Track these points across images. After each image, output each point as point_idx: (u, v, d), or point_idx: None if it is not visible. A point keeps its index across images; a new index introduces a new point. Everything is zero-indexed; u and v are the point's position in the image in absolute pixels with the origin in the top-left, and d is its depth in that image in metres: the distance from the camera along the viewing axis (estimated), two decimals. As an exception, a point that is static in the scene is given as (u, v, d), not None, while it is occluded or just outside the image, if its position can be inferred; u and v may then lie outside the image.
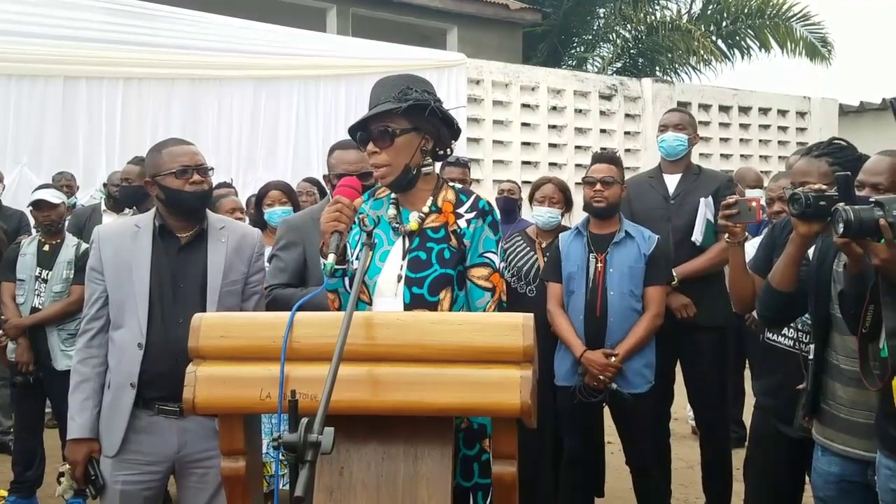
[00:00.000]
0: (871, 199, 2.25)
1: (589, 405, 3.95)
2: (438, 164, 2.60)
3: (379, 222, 2.50)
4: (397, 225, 2.50)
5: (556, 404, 4.04)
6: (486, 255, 2.48)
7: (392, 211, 2.52)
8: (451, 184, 2.58)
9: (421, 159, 2.46)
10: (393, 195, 2.55)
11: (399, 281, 2.43)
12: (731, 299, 3.26)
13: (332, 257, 2.12)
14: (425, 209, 2.49)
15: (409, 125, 2.42)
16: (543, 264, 4.24)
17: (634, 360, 3.87)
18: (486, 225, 2.49)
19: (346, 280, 2.44)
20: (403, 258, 2.46)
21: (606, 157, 4.14)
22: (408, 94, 2.39)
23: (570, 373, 3.95)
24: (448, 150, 2.55)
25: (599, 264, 3.93)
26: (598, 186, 3.94)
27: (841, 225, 2.23)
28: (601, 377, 3.82)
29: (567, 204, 4.39)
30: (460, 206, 2.50)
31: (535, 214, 4.34)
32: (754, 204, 3.06)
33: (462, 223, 2.48)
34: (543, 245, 4.32)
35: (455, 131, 2.53)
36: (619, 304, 3.87)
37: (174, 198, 2.85)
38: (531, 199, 4.43)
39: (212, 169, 2.96)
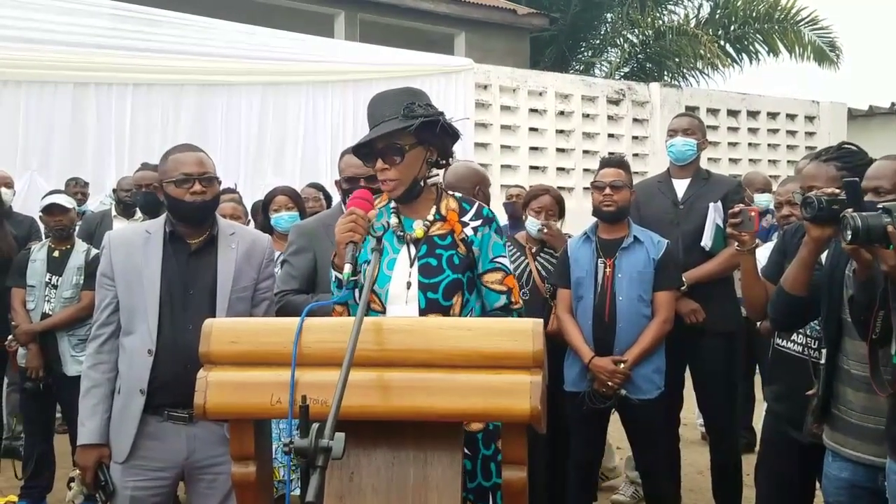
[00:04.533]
0: (878, 206, 2.25)
1: (597, 412, 3.94)
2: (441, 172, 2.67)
3: (388, 228, 2.52)
4: (401, 233, 2.55)
5: (559, 410, 4.03)
6: (496, 260, 2.59)
7: (394, 220, 2.57)
8: (450, 192, 2.65)
9: (427, 171, 2.54)
10: (392, 204, 2.60)
11: (409, 288, 2.48)
12: (745, 306, 3.28)
13: (348, 267, 2.14)
14: (430, 217, 2.56)
15: (416, 140, 2.47)
16: (535, 269, 4.26)
17: (644, 366, 3.87)
18: (492, 231, 2.59)
19: (357, 292, 2.44)
20: (412, 265, 2.52)
21: (615, 161, 4.15)
22: (413, 111, 2.44)
23: (579, 378, 3.95)
24: (450, 159, 2.63)
25: (608, 269, 3.93)
26: (608, 191, 3.95)
27: (849, 232, 2.23)
28: (609, 383, 3.82)
29: (561, 214, 4.42)
30: (465, 215, 2.58)
31: (530, 224, 4.36)
32: (753, 214, 3.14)
33: (469, 231, 2.56)
34: (534, 250, 4.34)
35: (455, 140, 2.59)
36: (627, 309, 3.87)
37: (175, 206, 2.87)
38: (525, 206, 4.41)
39: (218, 178, 2.94)
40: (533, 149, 10.63)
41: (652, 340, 3.86)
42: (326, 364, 1.86)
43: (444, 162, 2.60)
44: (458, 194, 2.66)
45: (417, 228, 2.54)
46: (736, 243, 3.20)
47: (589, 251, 4.00)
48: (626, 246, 3.94)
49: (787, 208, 4.36)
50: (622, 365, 3.82)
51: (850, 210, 2.28)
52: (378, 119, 2.48)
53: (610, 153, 11.10)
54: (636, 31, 15.72)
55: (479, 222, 2.57)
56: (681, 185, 4.45)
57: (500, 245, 2.61)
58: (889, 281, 2.27)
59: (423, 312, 2.45)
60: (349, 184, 3.31)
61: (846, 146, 2.97)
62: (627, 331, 3.87)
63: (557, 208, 4.37)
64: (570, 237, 4.33)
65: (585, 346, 3.90)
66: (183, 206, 2.85)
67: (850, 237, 2.23)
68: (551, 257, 4.31)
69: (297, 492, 3.66)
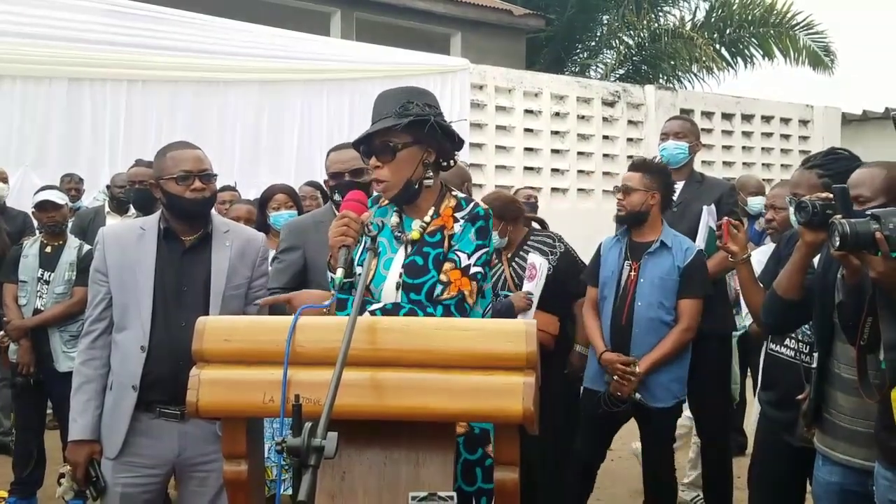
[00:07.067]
0: (867, 212, 2.25)
1: (609, 416, 3.90)
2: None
3: (383, 228, 2.50)
4: (399, 233, 2.51)
5: (556, 410, 4.02)
6: (456, 251, 2.44)
7: (395, 219, 2.53)
8: (454, 192, 2.58)
9: (423, 172, 2.46)
10: None
11: (398, 289, 2.44)
12: (750, 315, 3.31)
13: (340, 271, 2.11)
14: (427, 218, 2.50)
15: (411, 139, 2.42)
16: (510, 275, 4.12)
17: (661, 374, 3.80)
18: (472, 226, 2.46)
19: (354, 292, 2.43)
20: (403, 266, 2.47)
21: (634, 164, 4.08)
22: (408, 109, 2.40)
23: (596, 376, 3.93)
24: (451, 162, 2.55)
25: (633, 273, 3.88)
26: (619, 195, 3.95)
27: (837, 238, 2.23)
28: (615, 380, 3.77)
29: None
30: (459, 212, 2.50)
31: None
32: (723, 227, 3.31)
33: (457, 227, 2.47)
34: (509, 255, 4.20)
35: (457, 143, 2.54)
36: (645, 314, 3.81)
37: (174, 203, 2.86)
38: None
39: (215, 175, 2.95)
40: (528, 150, 10.64)
41: (670, 348, 3.78)
42: (320, 363, 1.86)
43: (444, 164, 2.52)
44: (460, 194, 2.58)
45: (415, 230, 2.49)
46: (729, 256, 3.26)
47: (617, 252, 3.96)
48: (652, 251, 3.87)
49: (771, 213, 4.34)
50: (635, 368, 3.75)
51: (838, 216, 2.29)
52: (377, 116, 2.46)
53: (604, 155, 11.13)
54: (632, 33, 15.76)
55: (466, 218, 2.48)
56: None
57: (470, 242, 2.44)
58: (877, 287, 2.28)
59: (406, 314, 2.38)
60: (334, 179, 3.35)
61: (834, 152, 2.98)
62: (643, 337, 3.80)
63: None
64: (560, 237, 4.30)
65: (600, 341, 3.87)
66: (183, 202, 2.84)
67: (838, 243, 2.24)
68: (523, 262, 4.23)
69: (290, 491, 3.67)
